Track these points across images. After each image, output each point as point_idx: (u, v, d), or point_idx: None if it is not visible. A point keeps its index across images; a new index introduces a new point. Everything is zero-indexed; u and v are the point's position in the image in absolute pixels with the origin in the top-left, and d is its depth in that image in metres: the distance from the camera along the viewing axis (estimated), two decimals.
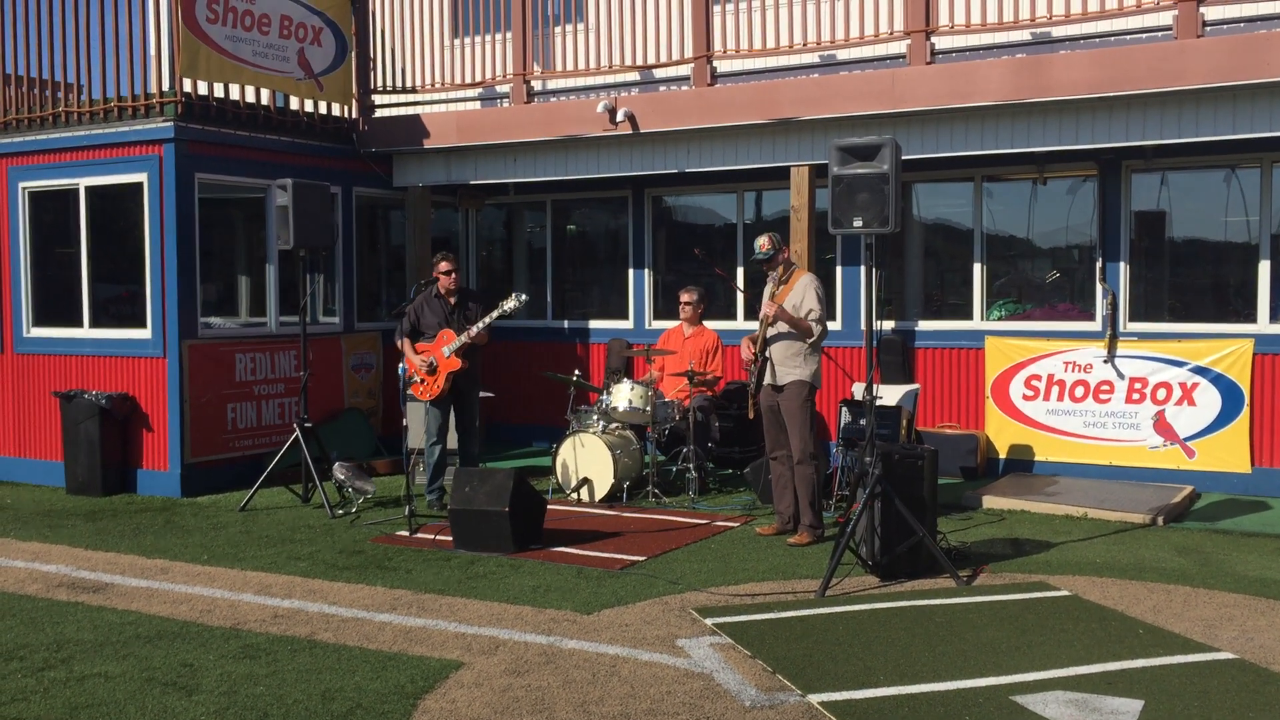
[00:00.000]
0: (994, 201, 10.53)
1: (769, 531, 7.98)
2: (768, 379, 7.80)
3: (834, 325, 10.24)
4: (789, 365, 7.71)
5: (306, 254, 9.41)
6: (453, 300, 9.01)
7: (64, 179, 10.36)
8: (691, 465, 9.28)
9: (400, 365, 8.63)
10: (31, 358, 10.71)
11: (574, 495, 9.25)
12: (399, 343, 9.01)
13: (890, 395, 9.39)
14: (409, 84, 11.80)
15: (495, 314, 8.83)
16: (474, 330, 8.77)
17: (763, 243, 7.89)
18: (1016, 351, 10.10)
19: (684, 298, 10.27)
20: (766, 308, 7.70)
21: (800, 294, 7.71)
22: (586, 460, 9.21)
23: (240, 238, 11.29)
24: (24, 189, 10.61)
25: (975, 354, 10.29)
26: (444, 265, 9.01)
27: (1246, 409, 9.22)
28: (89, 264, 10.28)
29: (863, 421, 7.40)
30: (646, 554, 7.42)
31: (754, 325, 10.84)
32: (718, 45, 10.19)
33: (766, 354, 7.78)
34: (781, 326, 7.67)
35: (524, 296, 8.92)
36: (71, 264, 10.41)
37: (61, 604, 6.49)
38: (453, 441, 9.15)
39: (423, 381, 8.87)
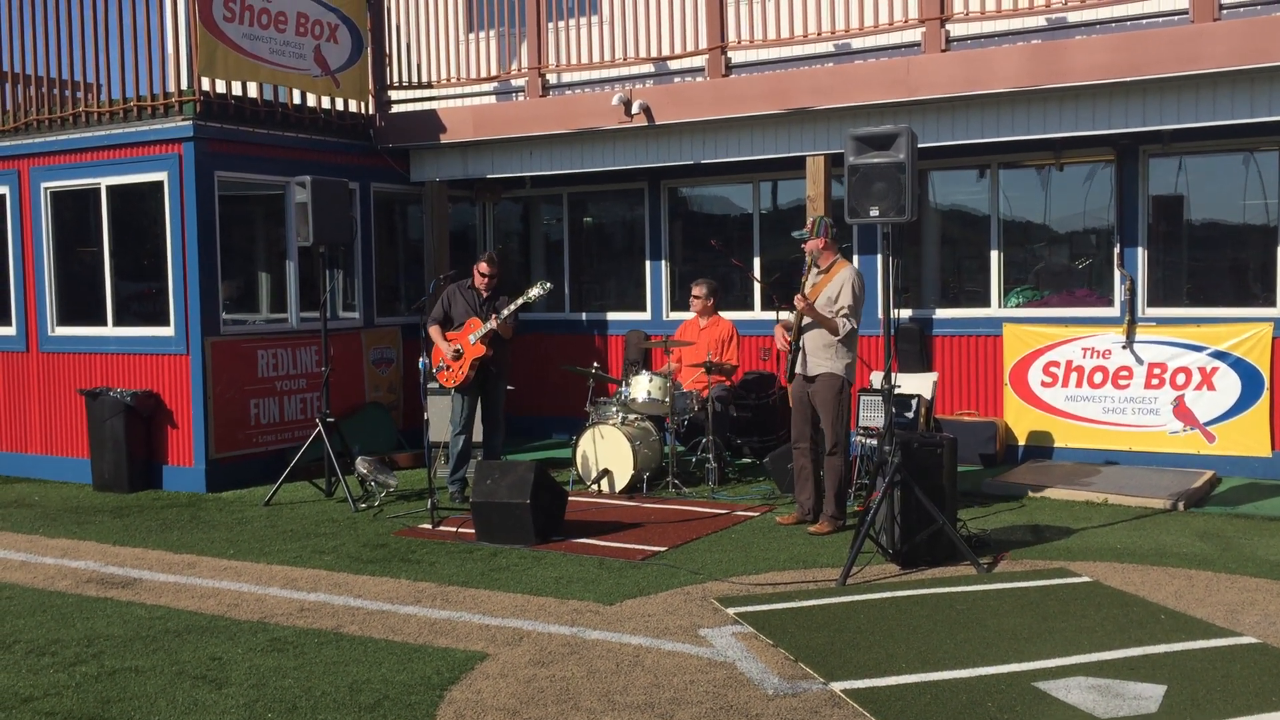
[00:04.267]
0: (1010, 188, 10.51)
1: (789, 521, 8.00)
2: (799, 369, 7.81)
3: None
4: (820, 357, 7.70)
5: (326, 250, 9.48)
6: (486, 295, 9.08)
7: (85, 179, 10.45)
8: (710, 455, 9.32)
9: (421, 359, 8.67)
10: (57, 356, 10.82)
11: (594, 486, 9.30)
12: (429, 329, 9.01)
13: (908, 384, 9.40)
14: (424, 79, 11.84)
15: (521, 300, 8.86)
16: (502, 314, 8.79)
17: (809, 222, 7.84)
18: (1034, 338, 10.09)
19: (695, 291, 10.29)
20: (798, 301, 7.65)
21: (837, 288, 7.67)
22: (606, 451, 9.26)
23: (260, 235, 11.36)
24: (46, 189, 10.71)
25: (993, 341, 10.29)
26: (485, 268, 9.02)
27: (1267, 393, 9.20)
28: (111, 263, 10.37)
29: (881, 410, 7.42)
30: (667, 544, 7.46)
31: (770, 314, 10.92)
32: (732, 36, 10.20)
33: (800, 343, 7.78)
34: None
35: (549, 284, 8.99)
36: (94, 263, 10.52)
37: (91, 599, 6.58)
38: (478, 434, 9.20)
39: (448, 368, 8.91)
